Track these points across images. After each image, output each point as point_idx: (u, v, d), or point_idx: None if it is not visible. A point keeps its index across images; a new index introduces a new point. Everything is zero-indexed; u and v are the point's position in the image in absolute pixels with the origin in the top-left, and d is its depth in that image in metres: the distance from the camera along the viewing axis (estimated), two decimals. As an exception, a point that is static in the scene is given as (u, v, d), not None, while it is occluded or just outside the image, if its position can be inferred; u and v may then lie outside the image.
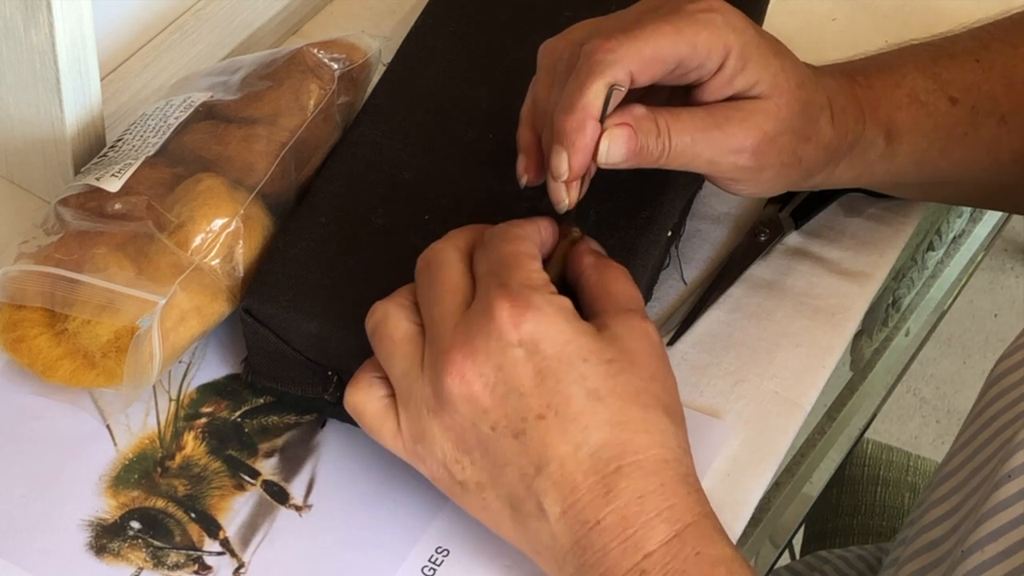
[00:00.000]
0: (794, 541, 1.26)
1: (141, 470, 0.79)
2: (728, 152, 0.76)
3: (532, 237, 0.74)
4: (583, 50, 0.74)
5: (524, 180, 0.78)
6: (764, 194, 0.81)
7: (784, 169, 0.79)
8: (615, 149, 0.74)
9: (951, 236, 1.19)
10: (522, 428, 0.69)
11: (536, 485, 0.70)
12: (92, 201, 0.79)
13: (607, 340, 0.71)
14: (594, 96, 0.73)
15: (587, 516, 0.69)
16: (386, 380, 0.73)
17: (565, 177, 0.74)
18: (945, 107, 0.83)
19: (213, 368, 0.83)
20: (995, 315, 2.27)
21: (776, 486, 1.06)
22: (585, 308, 0.74)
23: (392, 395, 0.73)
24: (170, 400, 0.81)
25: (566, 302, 0.71)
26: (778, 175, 0.79)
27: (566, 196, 0.75)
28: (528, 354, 0.69)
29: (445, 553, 0.76)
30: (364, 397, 0.73)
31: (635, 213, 0.82)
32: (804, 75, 0.79)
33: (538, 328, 0.69)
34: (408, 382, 0.71)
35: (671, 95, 0.79)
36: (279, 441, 0.80)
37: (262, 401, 0.82)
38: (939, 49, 0.85)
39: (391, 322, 0.72)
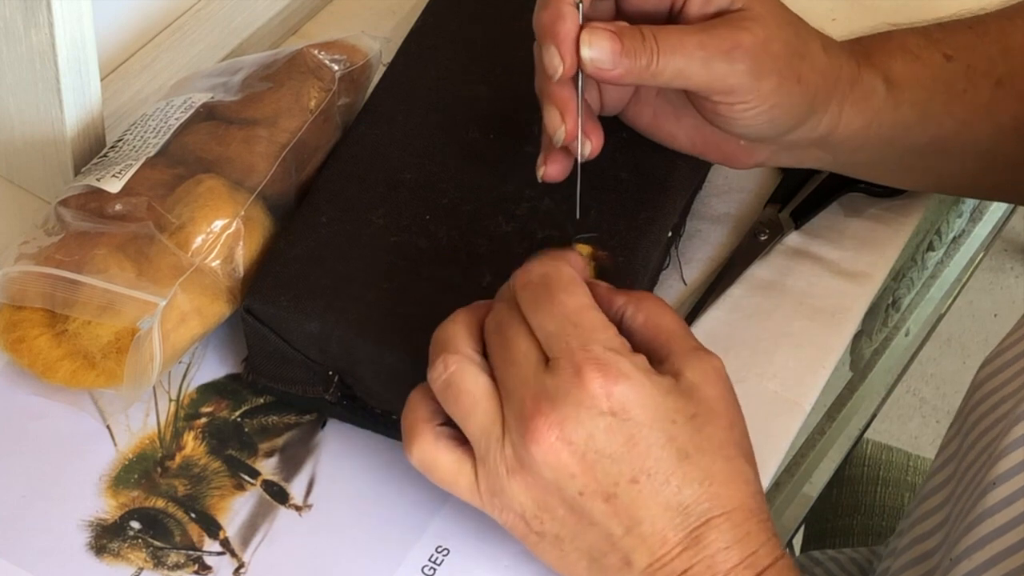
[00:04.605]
0: (794, 541, 1.26)
1: (141, 470, 0.79)
2: (721, 54, 0.75)
3: (579, 277, 0.72)
4: None
5: (541, 172, 0.78)
6: (769, 123, 0.79)
7: (784, 83, 0.77)
8: (598, 44, 0.74)
9: (951, 236, 1.19)
10: (613, 492, 0.69)
11: (624, 543, 0.69)
12: (92, 202, 0.79)
13: (686, 393, 0.70)
14: None
15: (675, 567, 0.69)
16: (449, 428, 0.71)
17: (560, 71, 0.74)
18: (940, 61, 0.83)
19: (213, 368, 0.83)
20: (995, 315, 2.27)
21: (776, 486, 1.06)
22: (642, 349, 0.72)
23: (459, 444, 0.71)
24: (170, 400, 0.81)
25: (644, 360, 0.70)
26: (778, 88, 0.77)
27: (561, 122, 0.75)
28: (620, 421, 0.68)
29: (445, 552, 0.76)
30: (434, 451, 0.71)
31: (635, 213, 0.82)
32: (784, 5, 0.79)
33: (628, 395, 0.68)
34: (487, 441, 0.70)
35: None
36: (279, 441, 0.80)
37: (262, 401, 0.82)
38: (930, 23, 0.86)
39: (468, 378, 0.70)
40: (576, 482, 0.69)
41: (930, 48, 0.83)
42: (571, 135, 0.76)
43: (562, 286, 0.71)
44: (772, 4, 0.78)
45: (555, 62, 0.74)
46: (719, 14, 0.77)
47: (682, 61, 0.75)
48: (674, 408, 0.69)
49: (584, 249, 0.77)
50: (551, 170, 0.78)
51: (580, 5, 0.73)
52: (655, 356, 0.72)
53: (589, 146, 0.77)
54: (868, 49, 0.82)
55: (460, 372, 0.70)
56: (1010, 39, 0.85)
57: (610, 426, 0.68)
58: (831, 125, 0.81)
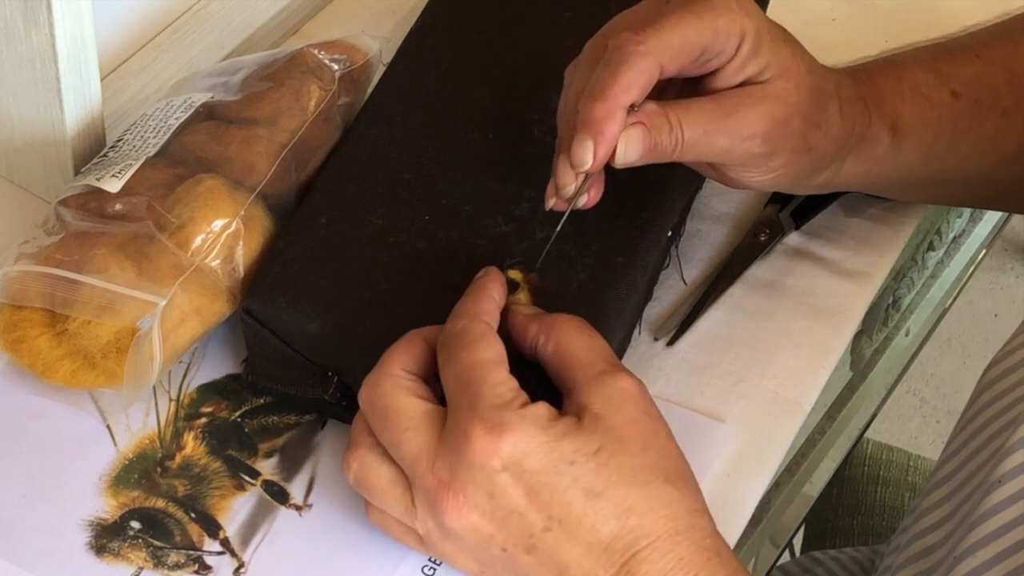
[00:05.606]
0: (794, 541, 1.26)
1: (141, 470, 0.79)
2: (740, 139, 0.76)
3: (491, 331, 0.72)
4: (611, 44, 0.74)
5: (551, 203, 0.77)
6: (772, 185, 0.81)
7: (795, 156, 0.78)
8: (632, 148, 0.74)
9: (951, 236, 1.19)
10: (531, 544, 0.69)
11: None
12: (92, 202, 0.79)
13: (588, 428, 0.69)
14: (627, 85, 0.73)
15: None
16: None
17: (587, 167, 0.74)
18: (948, 100, 0.83)
19: (213, 368, 0.83)
20: (995, 315, 2.27)
21: (776, 486, 1.06)
22: (555, 381, 0.72)
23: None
24: (170, 400, 0.81)
25: (540, 409, 0.69)
26: (788, 162, 0.79)
27: (574, 180, 0.75)
28: (515, 476, 0.68)
29: (445, 553, 0.76)
30: (381, 520, 0.73)
31: (635, 213, 0.82)
32: (812, 63, 0.79)
33: (517, 448, 0.68)
34: (411, 520, 0.71)
35: (683, 85, 0.79)
36: (279, 441, 0.80)
37: (262, 401, 0.82)
38: (938, 47, 0.86)
39: (370, 472, 0.71)
40: (496, 541, 0.69)
41: (939, 86, 0.83)
42: (575, 190, 0.76)
43: (467, 342, 0.71)
44: (799, 73, 0.78)
45: (587, 158, 0.73)
46: (746, 82, 0.77)
47: (704, 147, 0.76)
48: (571, 449, 0.68)
49: (515, 275, 0.76)
50: (560, 204, 0.77)
51: (632, 107, 0.73)
52: (565, 387, 0.72)
53: (586, 198, 0.77)
54: (880, 92, 0.82)
55: (362, 468, 0.72)
56: (1016, 65, 0.85)
57: (507, 482, 0.68)
58: (831, 176, 0.82)
